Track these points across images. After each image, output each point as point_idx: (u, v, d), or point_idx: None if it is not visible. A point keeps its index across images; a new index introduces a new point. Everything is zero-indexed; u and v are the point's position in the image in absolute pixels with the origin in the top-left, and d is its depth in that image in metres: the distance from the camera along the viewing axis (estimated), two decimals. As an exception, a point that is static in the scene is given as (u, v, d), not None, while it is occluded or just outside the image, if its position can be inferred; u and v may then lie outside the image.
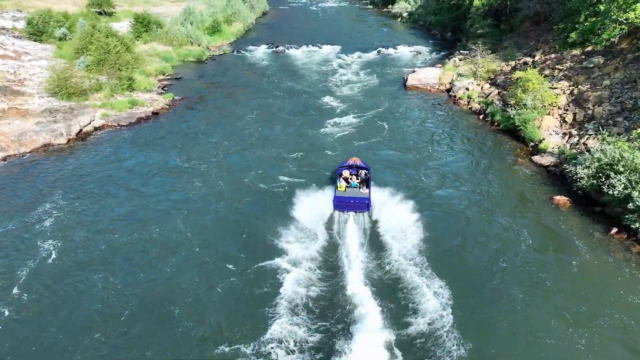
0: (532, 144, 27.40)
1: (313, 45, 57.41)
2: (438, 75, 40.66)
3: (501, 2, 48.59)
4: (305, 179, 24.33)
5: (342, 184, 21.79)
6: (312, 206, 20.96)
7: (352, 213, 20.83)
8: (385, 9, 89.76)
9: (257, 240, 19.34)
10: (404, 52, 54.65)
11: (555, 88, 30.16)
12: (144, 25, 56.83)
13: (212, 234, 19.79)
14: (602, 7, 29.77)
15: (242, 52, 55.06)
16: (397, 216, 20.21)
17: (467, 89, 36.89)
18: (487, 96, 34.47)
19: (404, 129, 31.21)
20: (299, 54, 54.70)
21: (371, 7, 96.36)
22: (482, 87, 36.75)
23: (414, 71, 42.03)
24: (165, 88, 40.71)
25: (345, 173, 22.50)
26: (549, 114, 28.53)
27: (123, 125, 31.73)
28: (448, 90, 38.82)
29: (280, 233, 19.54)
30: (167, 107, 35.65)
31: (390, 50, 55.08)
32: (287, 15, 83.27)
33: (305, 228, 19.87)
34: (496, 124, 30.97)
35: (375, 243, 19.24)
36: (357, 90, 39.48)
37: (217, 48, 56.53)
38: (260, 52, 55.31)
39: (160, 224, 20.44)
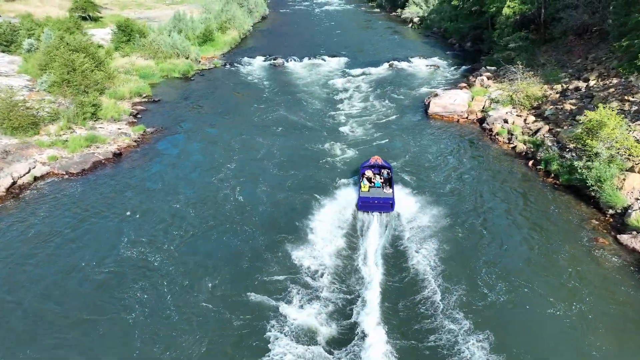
0: (611, 211, 19.87)
1: (316, 57, 49.78)
2: (467, 101, 33.01)
3: (535, 10, 40.90)
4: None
5: (365, 183, 21.33)
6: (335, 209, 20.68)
7: (376, 213, 20.27)
8: (393, 13, 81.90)
9: None
10: (419, 65, 47.00)
11: (633, 131, 22.58)
12: (126, 34, 49.41)
13: None
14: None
15: (235, 65, 47.53)
16: None
17: (506, 121, 29.28)
18: (535, 133, 26.87)
19: (429, 183, 23.64)
20: (299, 68, 47.13)
21: (378, 10, 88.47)
22: (525, 119, 29.14)
23: (436, 94, 34.36)
24: (139, 115, 33.26)
25: (368, 173, 22.07)
26: (632, 169, 20.95)
27: (73, 174, 24.26)
28: (481, 121, 31.19)
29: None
30: (135, 144, 28.18)
31: (404, 64, 47.45)
32: (288, 20, 75.60)
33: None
34: (552, 175, 23.42)
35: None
36: (368, 124, 31.67)
37: (208, 60, 49.03)
38: (256, 66, 47.77)
39: None
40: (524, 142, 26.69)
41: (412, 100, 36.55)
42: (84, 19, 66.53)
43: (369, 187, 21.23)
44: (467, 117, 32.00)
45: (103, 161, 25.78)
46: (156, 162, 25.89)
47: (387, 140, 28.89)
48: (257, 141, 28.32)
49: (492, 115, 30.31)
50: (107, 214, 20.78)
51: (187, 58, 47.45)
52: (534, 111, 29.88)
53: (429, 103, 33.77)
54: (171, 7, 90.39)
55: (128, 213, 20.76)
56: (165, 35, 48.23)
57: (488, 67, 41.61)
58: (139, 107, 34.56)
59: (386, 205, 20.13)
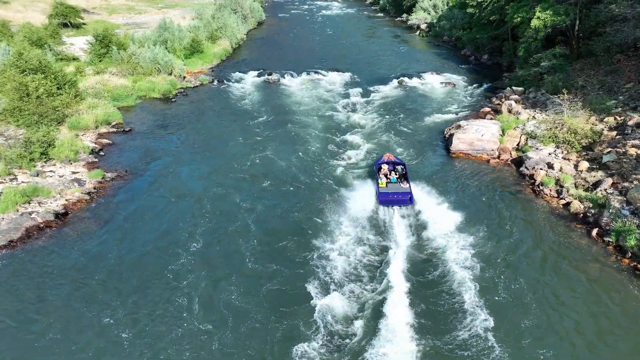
0: None
1: (315, 72, 43.58)
2: (497, 135, 26.82)
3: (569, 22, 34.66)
4: None
5: (382, 180, 21.63)
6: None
7: (396, 207, 20.47)
8: (398, 19, 75.52)
9: None
10: (432, 83, 40.78)
11: None
12: (103, 46, 43.25)
13: None
14: None
15: (224, 82, 41.31)
16: None
17: (551, 166, 23.08)
18: (594, 187, 20.71)
19: (450, 258, 17.61)
20: (296, 85, 40.89)
21: (381, 15, 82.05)
22: (576, 165, 22.96)
23: (459, 126, 28.14)
24: (102, 152, 27.09)
25: (384, 168, 22.32)
26: None
27: (-4, 247, 18.28)
28: (517, 163, 25.02)
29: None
30: (88, 197, 22.03)
31: (415, 81, 41.23)
32: (285, 26, 69.28)
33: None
34: (630, 254, 17.31)
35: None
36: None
37: (194, 76, 42.81)
38: (247, 82, 41.56)
39: None
40: (580, 199, 20.52)
41: (428, 131, 30.37)
42: (65, 25, 60.44)
43: (386, 182, 21.65)
44: (498, 157, 25.83)
45: (41, 225, 19.63)
46: (106, 230, 19.65)
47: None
48: (236, 201, 21.70)
49: (531, 158, 24.09)
50: (30, 330, 14.68)
51: (170, 74, 41.31)
52: (586, 154, 23.67)
53: (450, 137, 27.60)
54: (163, 11, 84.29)
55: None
56: (146, 48, 42.05)
57: (514, 88, 35.38)
58: (105, 141, 28.37)
59: (405, 199, 20.63)
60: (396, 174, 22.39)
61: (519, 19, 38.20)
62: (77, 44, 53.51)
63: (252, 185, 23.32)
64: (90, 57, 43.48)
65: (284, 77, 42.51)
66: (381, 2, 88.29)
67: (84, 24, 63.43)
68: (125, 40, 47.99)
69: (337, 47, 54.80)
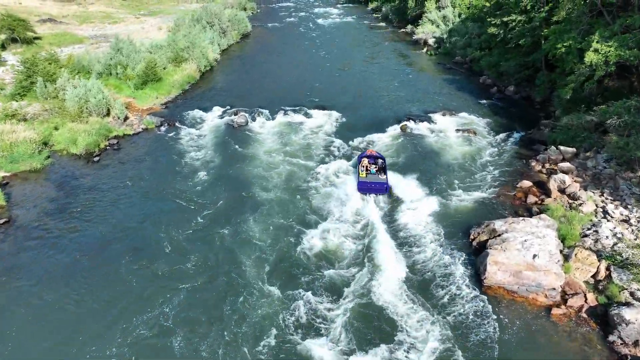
0: None
1: (296, 112, 32.97)
2: (558, 257, 16.23)
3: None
4: None
5: (363, 171, 23.07)
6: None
7: (372, 195, 22.13)
8: (402, 30, 64.45)
9: None
10: (445, 129, 30.05)
11: None
12: (28, 75, 32.96)
13: None
14: None
15: (176, 125, 30.88)
16: None
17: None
18: None
19: None
20: (268, 131, 30.32)
21: (383, 24, 70.91)
22: None
23: (493, 231, 17.50)
24: (-61, 274, 16.97)
25: (365, 161, 23.82)
26: None
27: None
28: (600, 319, 14.50)
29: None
30: None
31: (423, 126, 30.52)
32: (273, 41, 58.48)
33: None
34: None
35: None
36: (372, 312, 15.33)
37: (140, 116, 32.40)
38: (206, 126, 31.10)
39: None
40: None
41: (442, 224, 19.72)
42: (15, 40, 50.16)
43: (367, 173, 23.07)
44: (564, 303, 15.27)
45: None
46: None
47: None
48: None
49: (628, 320, 13.55)
50: None
51: (107, 115, 31.02)
52: None
53: (479, 249, 17.07)
54: (141, 19, 73.81)
55: None
56: (78, 81, 31.65)
57: (561, 148, 24.70)
58: (-43, 247, 18.22)
59: (381, 188, 22.21)
60: (376, 167, 23.68)
61: (563, 49, 27.42)
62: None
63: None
64: (13, 89, 33.28)
65: (254, 119, 31.98)
66: (384, 9, 77.15)
67: (37, 38, 53.00)
68: (68, 64, 37.81)
69: (328, 71, 44.10)
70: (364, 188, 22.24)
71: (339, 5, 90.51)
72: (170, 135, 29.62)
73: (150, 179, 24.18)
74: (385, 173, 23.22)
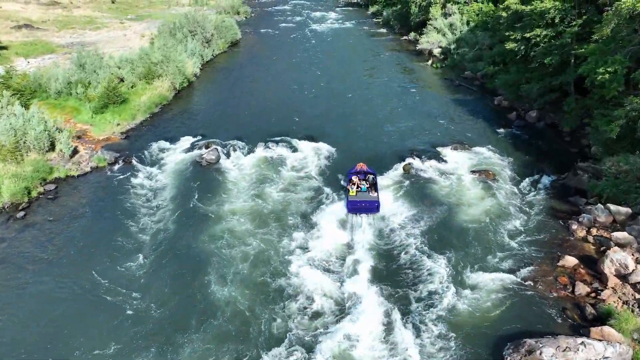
0: None
1: (280, 144, 27.16)
2: None
3: None
4: None
5: (353, 189, 21.43)
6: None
7: (364, 215, 20.55)
8: (405, 38, 58.38)
9: None
10: (458, 169, 24.21)
11: None
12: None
13: None
14: None
15: (133, 163, 25.19)
16: None
17: None
18: None
19: None
20: (244, 171, 24.47)
21: (385, 31, 64.81)
22: None
23: (529, 353, 12.02)
24: None
25: (355, 179, 22.11)
26: None
27: None
28: None
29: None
30: None
31: (430, 165, 24.64)
32: (263, 51, 52.57)
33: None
34: None
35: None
36: None
37: (94, 148, 26.75)
38: (170, 163, 25.36)
39: None
40: None
41: (463, 343, 14.12)
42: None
43: (356, 191, 21.34)
44: None
45: None
46: None
47: None
48: None
49: None
50: None
51: (52, 149, 25.41)
52: None
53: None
54: (127, 25, 68.10)
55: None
56: (14, 107, 25.96)
57: (611, 208, 18.91)
58: None
59: (372, 207, 20.57)
60: (367, 183, 22.07)
61: (607, 75, 21.55)
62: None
63: None
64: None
65: (228, 154, 26.28)
66: (385, 13, 70.94)
67: (2, 47, 47.37)
68: (21, 83, 32.19)
69: (321, 90, 38.21)
70: (354, 208, 20.65)
71: (337, 9, 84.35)
72: (123, 177, 23.94)
73: (77, 251, 18.44)
74: (376, 190, 21.63)
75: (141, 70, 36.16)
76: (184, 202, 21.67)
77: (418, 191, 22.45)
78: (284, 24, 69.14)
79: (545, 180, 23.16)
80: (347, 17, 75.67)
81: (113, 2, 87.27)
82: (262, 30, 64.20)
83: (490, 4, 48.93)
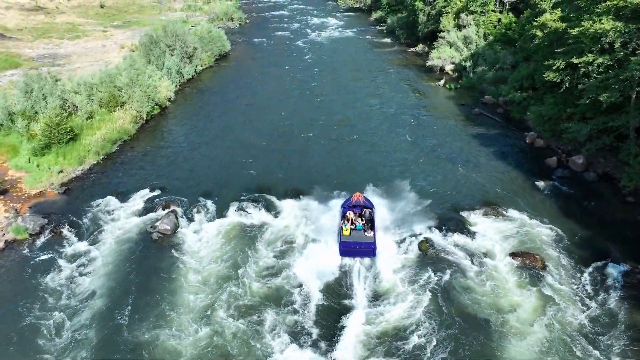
0: None
1: (257, 204, 20.71)
2: None
3: None
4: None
5: (347, 227, 18.10)
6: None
7: (358, 259, 17.61)
8: (412, 50, 51.71)
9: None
10: (491, 251, 17.75)
11: None
12: None
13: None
14: None
15: (64, 235, 18.81)
16: None
17: None
18: None
19: None
20: (207, 247, 18.03)
21: (390, 41, 58.03)
22: None
23: None
24: None
25: (350, 214, 18.72)
26: None
27: None
28: None
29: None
30: None
31: (454, 241, 18.13)
32: (254, 66, 45.92)
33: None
34: None
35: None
36: None
37: (20, 209, 20.43)
38: (113, 233, 18.90)
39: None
40: None
41: None
42: None
43: (351, 229, 18.06)
44: None
45: None
46: None
47: None
48: None
49: None
50: None
51: (-41, 214, 19.03)
52: None
53: None
54: (109, 34, 61.69)
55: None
56: None
57: None
58: None
59: (368, 250, 17.57)
60: (362, 220, 18.53)
61: None
62: None
63: None
64: None
65: (191, 218, 19.86)
66: (389, 21, 64.00)
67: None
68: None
69: (315, 123, 31.50)
70: (347, 250, 17.76)
71: (338, 14, 77.65)
72: (45, 258, 17.59)
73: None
74: (373, 228, 18.37)
75: (102, 96, 29.80)
76: (114, 306, 15.25)
77: (439, 286, 16.05)
78: (280, 32, 62.56)
79: (612, 269, 16.65)
80: (348, 24, 68.99)
81: (102, 7, 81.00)
82: (255, 40, 57.69)
83: (511, 15, 42.31)
